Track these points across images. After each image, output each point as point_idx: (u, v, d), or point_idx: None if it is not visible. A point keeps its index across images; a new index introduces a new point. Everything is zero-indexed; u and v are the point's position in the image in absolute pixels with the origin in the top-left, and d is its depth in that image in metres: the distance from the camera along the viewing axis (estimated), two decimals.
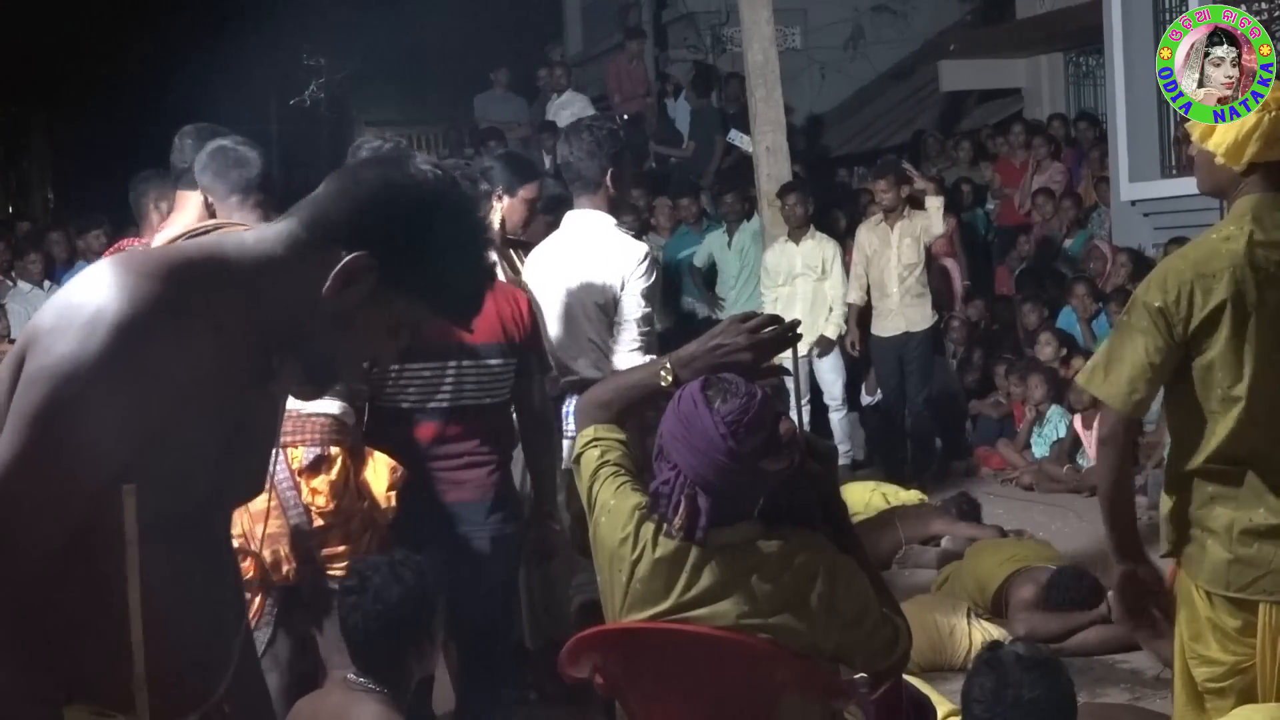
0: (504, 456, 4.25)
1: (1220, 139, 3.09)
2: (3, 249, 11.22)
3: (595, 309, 4.50)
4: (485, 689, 4.25)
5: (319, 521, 3.91)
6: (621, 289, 4.48)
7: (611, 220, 4.59)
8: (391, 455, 4.03)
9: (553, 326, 4.56)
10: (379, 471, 3.99)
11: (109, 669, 1.95)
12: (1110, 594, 5.77)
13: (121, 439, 1.87)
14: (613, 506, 2.75)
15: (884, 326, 9.17)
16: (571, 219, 4.68)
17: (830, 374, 9.44)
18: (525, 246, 5.04)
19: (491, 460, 4.17)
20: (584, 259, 4.54)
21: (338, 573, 3.84)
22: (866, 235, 9.19)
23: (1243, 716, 3.08)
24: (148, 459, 1.90)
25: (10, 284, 10.43)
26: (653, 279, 4.55)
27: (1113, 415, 3.14)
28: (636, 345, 4.47)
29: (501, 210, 4.89)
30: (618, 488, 2.76)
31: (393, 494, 3.97)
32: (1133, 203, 10.61)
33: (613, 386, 3.01)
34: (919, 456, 9.21)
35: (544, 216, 5.65)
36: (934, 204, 9.11)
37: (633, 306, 4.49)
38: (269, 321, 1.98)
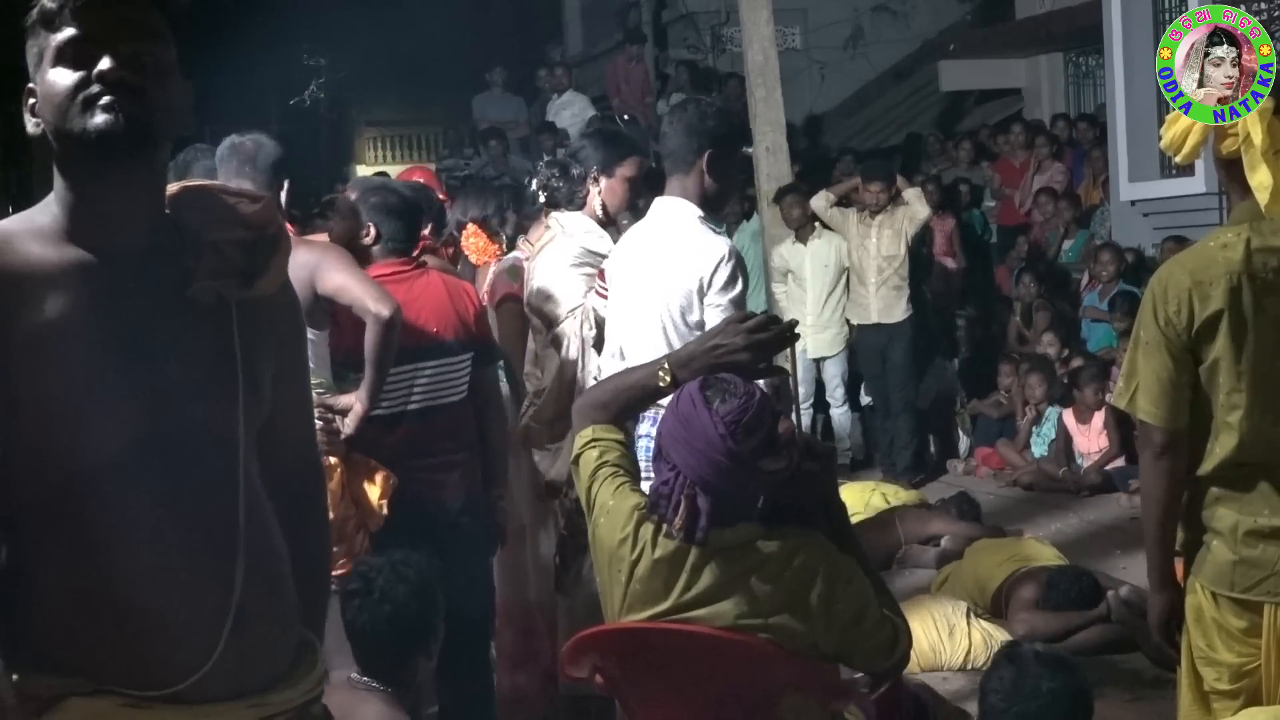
0: (471, 453, 4.27)
1: (1166, 138, 3.16)
2: None
3: (678, 313, 3.95)
4: (466, 687, 4.26)
5: None
6: (701, 296, 3.93)
7: (697, 212, 4.03)
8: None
9: (628, 330, 4.09)
10: (375, 481, 4.04)
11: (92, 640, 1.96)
12: (1111, 595, 5.82)
13: None
14: (612, 507, 2.75)
15: (857, 314, 9.28)
16: (656, 206, 4.17)
17: (834, 373, 9.46)
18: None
19: (459, 458, 4.20)
20: (662, 255, 4.01)
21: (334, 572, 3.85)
22: (842, 218, 9.25)
23: (1247, 717, 3.08)
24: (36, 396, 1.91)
25: None
26: (738, 285, 3.95)
27: (1157, 431, 3.11)
28: None
29: (599, 193, 4.62)
30: (616, 488, 2.76)
31: (384, 502, 4.03)
32: (1132, 203, 10.61)
33: (611, 387, 3.02)
34: (904, 459, 9.19)
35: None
36: (911, 193, 9.23)
37: (717, 320, 3.80)
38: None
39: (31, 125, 2.00)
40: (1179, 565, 3.26)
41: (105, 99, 1.93)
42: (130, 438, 1.95)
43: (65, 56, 1.96)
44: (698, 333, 3.75)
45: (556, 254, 4.59)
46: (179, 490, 2.00)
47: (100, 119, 1.93)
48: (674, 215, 4.06)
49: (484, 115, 14.20)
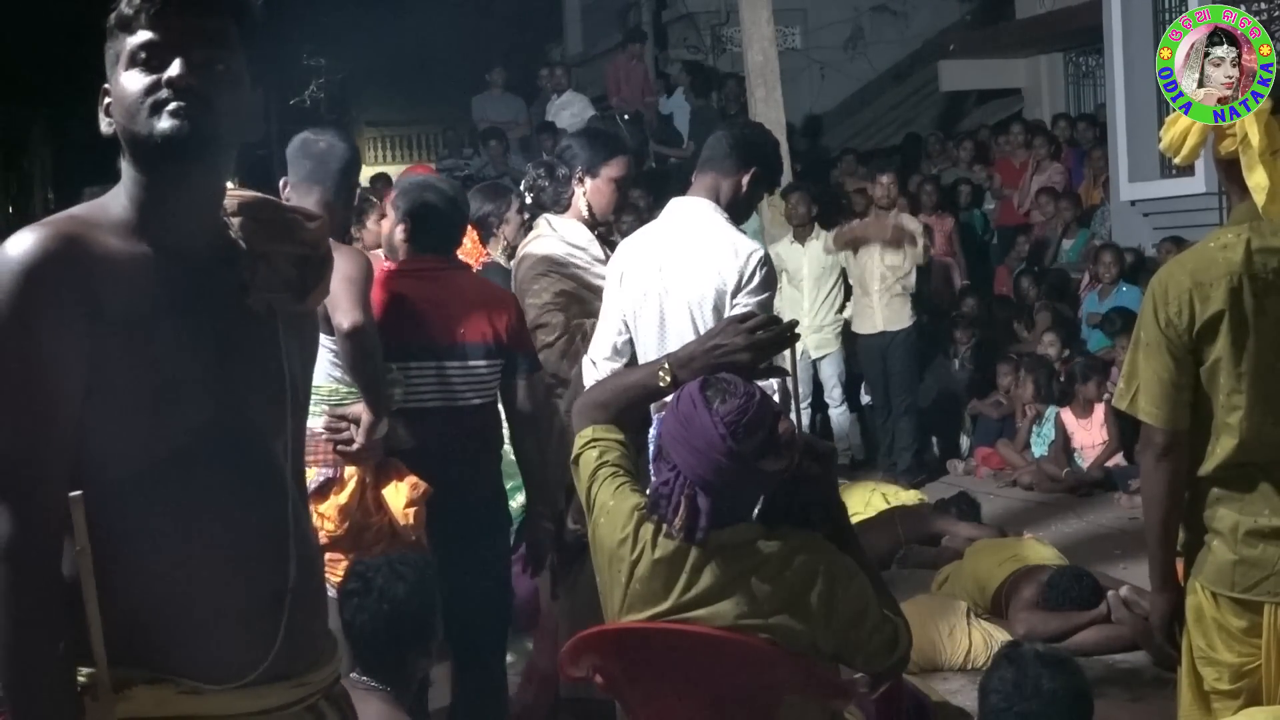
0: (492, 456, 4.25)
1: (1166, 140, 3.16)
2: None
3: (710, 310, 3.91)
4: (480, 689, 4.26)
5: (324, 540, 3.87)
6: (734, 294, 3.89)
7: (715, 210, 4.02)
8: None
9: (649, 326, 4.04)
10: (400, 488, 3.96)
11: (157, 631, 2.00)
12: (1111, 595, 5.82)
13: (58, 367, 1.92)
14: (611, 507, 2.75)
15: (862, 325, 9.27)
16: (676, 205, 4.13)
17: (830, 373, 9.46)
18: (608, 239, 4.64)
19: (476, 458, 4.17)
20: (694, 252, 3.96)
21: (336, 578, 3.83)
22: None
23: (1247, 717, 3.08)
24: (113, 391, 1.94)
25: None
26: (770, 289, 3.92)
27: (1159, 433, 3.11)
28: None
29: (585, 194, 4.57)
30: (616, 488, 2.76)
31: (411, 510, 3.94)
32: (1132, 203, 10.62)
33: (611, 387, 3.02)
34: (905, 459, 9.19)
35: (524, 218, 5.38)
36: (908, 220, 9.28)
37: None
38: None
39: (105, 125, 2.07)
40: (1180, 565, 3.26)
41: (173, 104, 1.99)
42: (196, 431, 2.02)
43: (138, 60, 2.02)
44: None
45: (539, 252, 4.58)
46: (239, 484, 2.06)
47: (166, 124, 1.98)
48: (699, 213, 4.04)
49: (484, 115, 14.19)
